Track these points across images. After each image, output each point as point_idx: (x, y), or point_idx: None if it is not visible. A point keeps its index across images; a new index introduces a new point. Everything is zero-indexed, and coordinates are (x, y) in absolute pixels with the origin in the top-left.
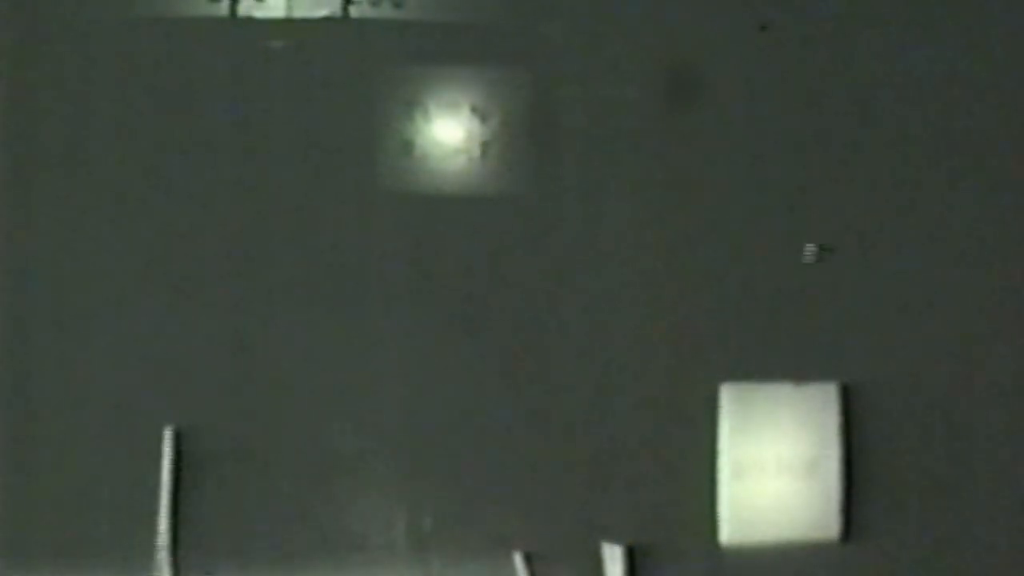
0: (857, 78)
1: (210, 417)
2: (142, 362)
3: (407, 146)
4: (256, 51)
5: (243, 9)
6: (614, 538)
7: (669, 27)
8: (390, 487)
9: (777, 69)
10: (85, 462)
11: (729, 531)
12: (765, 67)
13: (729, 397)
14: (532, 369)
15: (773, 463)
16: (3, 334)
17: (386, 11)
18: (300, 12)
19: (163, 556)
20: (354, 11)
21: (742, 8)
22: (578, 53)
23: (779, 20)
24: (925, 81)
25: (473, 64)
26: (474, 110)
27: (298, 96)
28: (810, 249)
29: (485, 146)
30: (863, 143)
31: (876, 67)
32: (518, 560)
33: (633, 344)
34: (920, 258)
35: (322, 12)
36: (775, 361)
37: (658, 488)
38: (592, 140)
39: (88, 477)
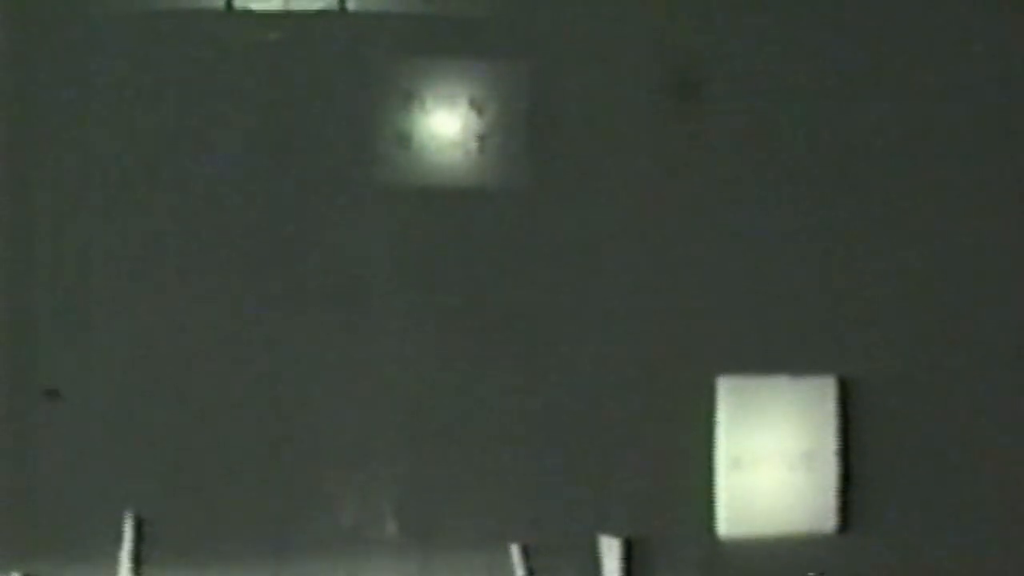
0: (856, 77)
1: (211, 413)
2: (142, 358)
3: (404, 139)
4: (252, 44)
5: (239, 1)
6: (611, 530)
7: (669, 22)
8: (387, 480)
9: (777, 67)
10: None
11: (726, 523)
12: (765, 64)
13: (726, 390)
14: (529, 362)
15: (770, 456)
16: (3, 334)
17: (383, 3)
18: (296, 4)
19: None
20: (351, 3)
21: (742, 6)
22: (577, 47)
23: (780, 19)
24: (925, 80)
25: (471, 57)
26: (472, 103)
27: (294, 89)
28: None
29: (482, 139)
30: (862, 139)
31: (877, 66)
32: (515, 552)
33: (630, 337)
34: (917, 252)
35: (318, 4)
36: (772, 354)
37: (655, 480)
38: (590, 133)
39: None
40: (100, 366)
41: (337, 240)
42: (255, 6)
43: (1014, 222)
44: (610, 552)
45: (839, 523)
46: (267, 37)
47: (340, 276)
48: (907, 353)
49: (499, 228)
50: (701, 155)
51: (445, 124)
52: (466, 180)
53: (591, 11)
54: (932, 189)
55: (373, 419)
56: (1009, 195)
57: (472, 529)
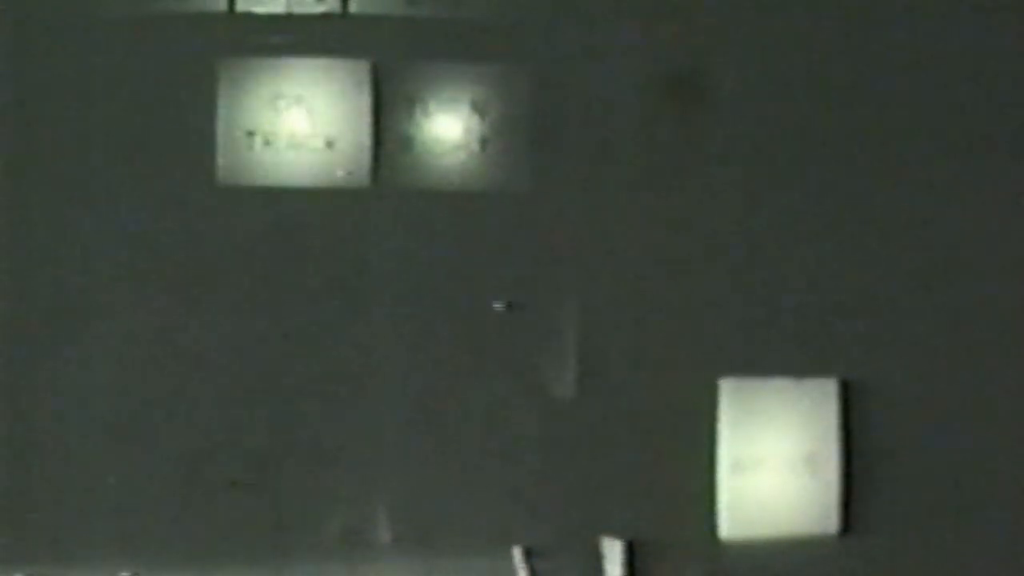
0: (856, 77)
1: (210, 414)
2: (142, 359)
3: (406, 142)
4: (255, 46)
5: (242, 4)
6: (613, 533)
7: (670, 24)
8: (388, 482)
9: (778, 67)
10: (87, 463)
11: (728, 526)
12: (765, 64)
13: (728, 392)
14: (530, 364)
15: (772, 458)
16: (4, 335)
17: (385, 6)
18: (299, 8)
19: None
20: (353, 7)
21: (743, 7)
22: (577, 49)
23: (780, 19)
24: (926, 79)
25: (473, 60)
26: (474, 106)
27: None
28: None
29: (484, 142)
30: (862, 139)
31: (877, 66)
32: (517, 555)
33: (632, 339)
34: (918, 252)
35: (321, 8)
36: (774, 356)
37: (657, 483)
38: (591, 136)
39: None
40: (100, 366)
41: (340, 242)
42: (257, 9)
43: (1014, 222)
44: (612, 554)
45: (841, 525)
46: (269, 40)
47: (341, 278)
48: (909, 355)
49: (501, 230)
50: (702, 156)
51: (447, 127)
52: (468, 183)
53: (591, 14)
54: (932, 189)
55: (373, 421)
56: (1009, 195)
57: (474, 531)
